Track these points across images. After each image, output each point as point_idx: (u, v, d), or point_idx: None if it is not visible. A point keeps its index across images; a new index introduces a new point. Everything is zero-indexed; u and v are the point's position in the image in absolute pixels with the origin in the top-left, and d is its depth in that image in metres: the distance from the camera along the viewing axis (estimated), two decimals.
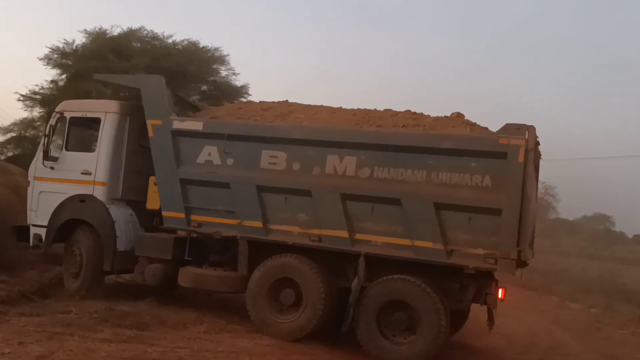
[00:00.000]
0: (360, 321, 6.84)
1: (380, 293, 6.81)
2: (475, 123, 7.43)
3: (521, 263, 6.55)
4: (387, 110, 7.93)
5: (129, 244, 8.18)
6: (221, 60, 14.94)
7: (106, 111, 8.41)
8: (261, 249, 7.53)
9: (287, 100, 8.59)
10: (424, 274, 6.82)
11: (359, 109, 8.06)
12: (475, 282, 6.83)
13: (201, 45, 14.72)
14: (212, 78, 14.95)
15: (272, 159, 7.41)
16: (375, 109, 8.05)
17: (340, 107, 8.29)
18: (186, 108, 8.98)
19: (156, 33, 14.39)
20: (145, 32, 14.33)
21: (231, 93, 14.89)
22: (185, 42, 14.58)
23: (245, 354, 6.23)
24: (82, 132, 9.10)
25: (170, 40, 14.46)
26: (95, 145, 8.47)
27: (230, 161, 7.60)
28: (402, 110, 7.87)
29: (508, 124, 6.55)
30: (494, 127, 7.00)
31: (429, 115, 7.69)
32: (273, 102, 8.56)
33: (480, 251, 6.49)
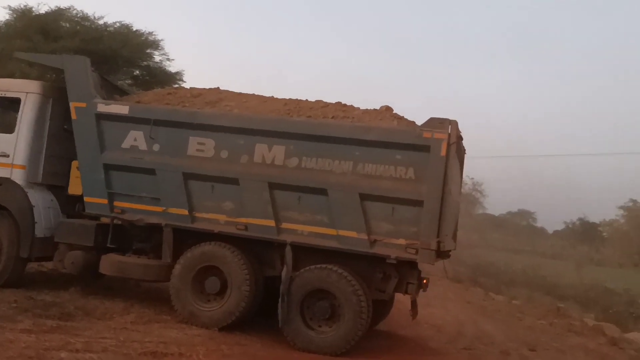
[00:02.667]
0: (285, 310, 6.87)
1: (303, 282, 6.87)
2: (402, 117, 7.58)
3: (442, 254, 6.76)
4: (318, 101, 7.97)
5: (48, 230, 7.88)
6: (155, 44, 14.53)
7: (27, 91, 8.04)
8: (186, 237, 7.44)
9: (218, 88, 8.48)
10: (348, 264, 6.93)
11: (290, 99, 8.07)
12: (398, 272, 6.99)
13: (134, 29, 14.29)
14: (145, 63, 14.55)
15: (200, 146, 7.32)
16: (306, 100, 8.07)
17: (272, 97, 8.27)
18: (113, 91, 8.70)
19: (86, 14, 13.82)
20: (74, 11, 13.73)
21: (165, 79, 14.55)
22: (118, 24, 14.09)
23: (173, 345, 6.15)
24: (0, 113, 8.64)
25: (101, 22, 13.92)
26: (14, 127, 8.08)
27: (156, 147, 7.45)
28: (334, 102, 7.96)
29: (432, 118, 6.72)
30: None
31: (358, 108, 7.78)
32: (203, 88, 8.43)
33: (402, 241, 6.65)
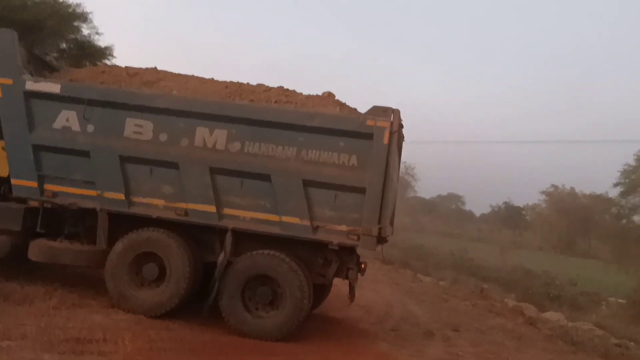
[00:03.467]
0: (225, 295, 6.81)
1: (245, 267, 6.83)
2: (344, 103, 7.62)
3: (381, 239, 6.88)
4: (259, 85, 7.87)
5: None
6: (83, 17, 13.90)
7: None
8: (122, 222, 7.20)
9: (155, 67, 8.20)
10: (289, 249, 6.94)
11: (231, 82, 7.91)
12: (338, 258, 7.08)
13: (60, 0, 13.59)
14: (72, 36, 13.86)
15: (137, 128, 7.07)
16: (248, 83, 7.94)
17: (212, 78, 8.08)
18: (41, 67, 8.22)
19: None
20: None
21: (94, 53, 13.91)
22: None
23: (98, 330, 5.98)
24: None
25: None
26: None
27: (90, 128, 7.13)
28: (275, 86, 7.88)
29: (375, 106, 6.78)
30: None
31: (301, 93, 7.74)
32: (140, 67, 8.13)
33: (344, 228, 6.72)
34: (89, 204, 7.10)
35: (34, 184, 7.16)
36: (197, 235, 7.21)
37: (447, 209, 66.07)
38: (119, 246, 7.00)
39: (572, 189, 49.80)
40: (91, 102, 7.08)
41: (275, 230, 6.81)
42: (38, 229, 7.28)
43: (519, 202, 60.09)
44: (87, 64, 13.50)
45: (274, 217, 6.82)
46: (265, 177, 6.82)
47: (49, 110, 7.18)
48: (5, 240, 7.25)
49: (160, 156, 6.97)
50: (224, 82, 7.91)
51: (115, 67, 8.07)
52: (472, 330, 9.58)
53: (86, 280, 8.20)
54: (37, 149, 7.15)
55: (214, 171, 6.88)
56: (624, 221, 30.24)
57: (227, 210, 6.91)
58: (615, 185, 30.60)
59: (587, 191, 47.45)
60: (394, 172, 6.86)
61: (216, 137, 6.94)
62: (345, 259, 7.12)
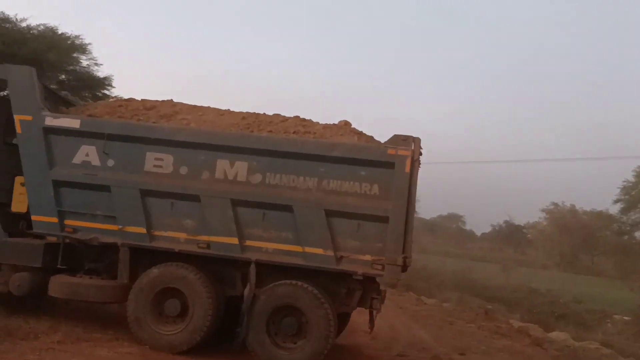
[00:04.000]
0: (250, 328, 6.77)
1: (270, 299, 6.79)
2: (361, 132, 7.67)
3: (405, 268, 6.87)
4: (276, 115, 7.92)
5: None
6: (82, 49, 14.01)
7: None
8: (143, 256, 7.17)
9: (171, 100, 8.24)
10: (311, 279, 6.91)
11: (247, 113, 7.96)
12: (361, 287, 7.06)
13: (60, 32, 13.64)
14: (71, 67, 13.93)
15: (158, 162, 7.08)
16: (264, 113, 7.99)
17: (228, 110, 8.13)
18: (57, 102, 8.26)
19: (7, 15, 13.00)
20: None
21: (93, 84, 13.98)
22: (42, 27, 13.37)
23: None
24: None
25: (24, 25, 13.08)
26: None
27: (110, 162, 7.14)
28: (291, 116, 7.93)
29: (395, 135, 6.82)
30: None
31: (317, 123, 7.79)
32: (156, 100, 8.17)
33: (368, 257, 6.71)
34: (110, 239, 7.07)
35: (54, 219, 7.14)
36: (218, 270, 7.18)
37: (448, 229, 66.03)
38: (140, 282, 6.96)
39: (573, 206, 49.98)
40: (111, 137, 7.10)
41: (299, 261, 6.80)
42: (59, 265, 7.24)
43: (519, 220, 60.13)
44: (87, 95, 13.60)
45: (297, 248, 6.81)
46: (287, 208, 6.82)
47: (68, 146, 7.19)
48: (26, 277, 7.19)
49: (181, 189, 6.98)
50: (241, 113, 7.95)
51: (131, 101, 8.10)
52: (480, 354, 9.59)
53: (90, 314, 8.17)
54: (57, 184, 7.14)
55: (235, 203, 6.88)
56: (626, 237, 30.30)
57: (249, 242, 6.89)
58: (616, 201, 30.79)
59: (588, 208, 47.66)
60: (415, 200, 6.88)
61: (237, 169, 6.96)
62: (368, 288, 7.10)
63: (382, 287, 7.34)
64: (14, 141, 7.80)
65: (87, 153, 7.16)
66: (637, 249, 26.94)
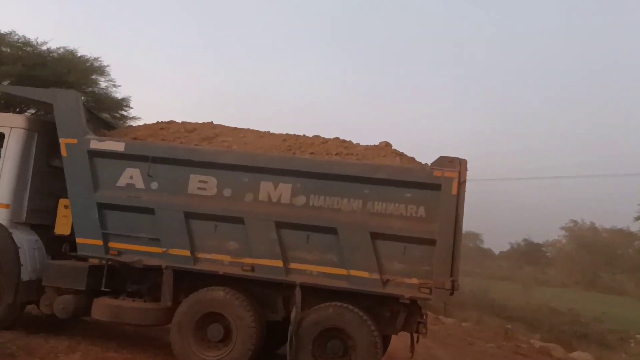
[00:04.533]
0: (296, 352, 6.67)
1: (316, 321, 6.70)
2: (403, 153, 7.62)
3: (452, 292, 6.75)
4: (316, 137, 7.91)
5: (34, 273, 7.42)
6: (100, 70, 14.33)
7: (11, 126, 7.62)
8: (185, 279, 7.16)
9: (211, 122, 8.29)
10: (355, 301, 6.82)
11: (287, 134, 7.97)
12: (405, 310, 6.95)
13: (79, 55, 13.96)
14: (90, 89, 14.23)
15: (202, 184, 7.09)
16: (304, 135, 8.00)
17: (268, 132, 8.16)
18: (99, 125, 8.38)
19: (29, 39, 13.41)
20: (16, 36, 13.31)
21: (111, 105, 14.38)
22: (62, 50, 13.73)
23: None
24: None
25: (44, 48, 13.54)
26: None
27: (154, 185, 7.16)
28: (331, 137, 7.92)
29: (441, 156, 6.75)
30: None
31: (358, 144, 7.76)
32: (197, 123, 8.23)
33: (414, 281, 6.61)
34: (154, 262, 7.07)
35: (99, 242, 7.16)
36: (260, 293, 7.14)
37: (466, 248, 64.94)
38: (184, 306, 6.93)
39: (593, 223, 49.30)
40: (155, 160, 7.14)
41: (344, 284, 6.72)
42: (103, 288, 7.25)
43: (538, 238, 59.23)
44: (106, 115, 13.84)
45: (342, 271, 6.74)
46: (331, 231, 6.76)
47: (113, 169, 7.24)
48: (70, 299, 7.21)
49: (225, 212, 6.96)
50: (281, 135, 7.97)
51: (172, 123, 8.16)
52: None
53: (108, 333, 8.22)
54: (102, 207, 7.18)
55: (279, 225, 6.84)
56: None
57: (294, 265, 6.84)
58: (637, 219, 30.33)
59: (608, 225, 46.95)
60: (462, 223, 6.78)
61: (280, 191, 6.93)
62: (413, 311, 6.99)
63: (423, 311, 7.26)
64: (58, 164, 7.91)
65: (132, 176, 7.20)
66: None
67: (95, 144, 7.26)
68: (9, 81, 12.57)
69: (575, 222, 50.94)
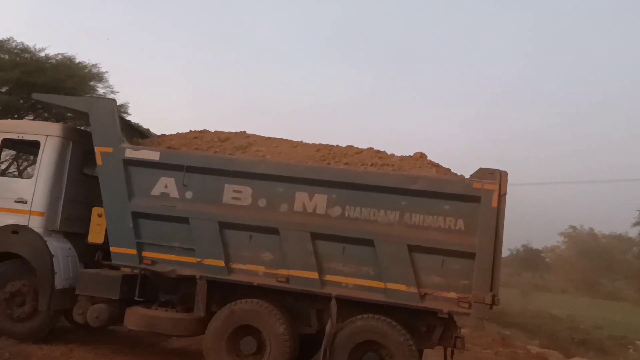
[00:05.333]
0: None
1: (353, 333, 6.59)
2: (438, 164, 7.51)
3: (492, 306, 6.60)
4: (349, 147, 7.84)
5: (68, 281, 7.44)
6: (99, 77, 14.42)
7: (47, 134, 7.67)
8: (218, 289, 7.10)
9: (244, 131, 8.27)
10: (390, 315, 6.69)
11: (321, 144, 7.90)
12: (442, 324, 6.81)
13: (77, 61, 14.07)
14: (88, 95, 14.29)
15: (236, 194, 7.04)
16: (337, 145, 7.93)
17: (301, 141, 8.09)
18: (132, 134, 8.38)
19: (26, 45, 13.53)
20: (14, 43, 13.45)
21: None
22: (60, 56, 13.83)
23: None
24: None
25: (42, 54, 13.65)
26: (32, 171, 7.68)
27: (189, 194, 7.13)
28: (365, 147, 7.84)
29: (481, 168, 6.63)
30: None
31: (393, 155, 7.67)
32: (230, 132, 8.21)
33: (453, 295, 6.47)
34: (188, 272, 7.02)
35: (133, 251, 7.14)
36: (293, 305, 7.05)
37: None
38: (217, 318, 6.86)
39: (592, 229, 48.89)
40: (190, 169, 7.11)
41: (381, 297, 6.60)
42: (136, 297, 7.22)
43: (537, 244, 58.36)
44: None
45: (378, 284, 6.62)
46: (368, 243, 6.66)
47: (147, 178, 7.23)
48: (103, 308, 7.19)
49: (260, 222, 6.90)
50: (314, 145, 7.90)
51: (205, 133, 8.13)
52: None
53: (103, 340, 8.22)
54: (136, 216, 7.16)
55: (314, 237, 6.76)
56: None
57: (329, 277, 6.74)
58: (635, 225, 30.19)
59: (607, 231, 46.60)
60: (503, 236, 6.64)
61: (316, 202, 6.85)
62: (450, 326, 6.85)
63: (459, 325, 7.11)
64: (91, 172, 7.93)
65: (166, 185, 7.18)
66: None
67: (131, 153, 7.26)
68: (6, 87, 12.68)
69: (574, 227, 50.64)
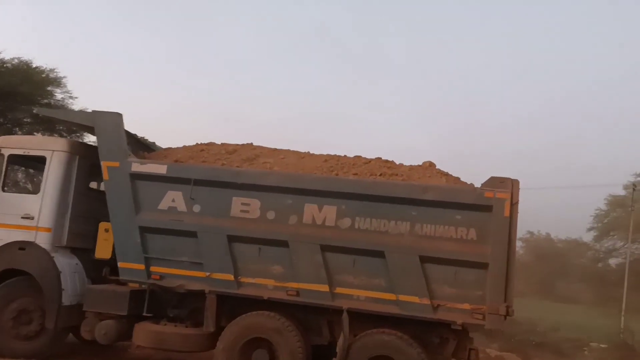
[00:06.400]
0: None
1: (364, 349, 6.49)
2: (448, 173, 7.44)
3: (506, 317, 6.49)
4: (357, 157, 7.79)
5: (75, 297, 7.36)
6: (57, 82, 14.24)
7: (53, 149, 7.62)
8: (226, 303, 7.02)
9: (251, 143, 8.22)
10: (402, 327, 6.59)
11: (328, 155, 7.85)
12: (456, 336, 6.70)
13: (34, 66, 13.87)
14: (46, 100, 14.13)
15: (244, 207, 6.96)
16: (345, 155, 7.87)
17: (308, 152, 8.05)
18: (138, 147, 8.33)
19: None
20: None
21: None
22: (16, 60, 13.68)
23: None
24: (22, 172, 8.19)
25: None
26: (38, 186, 7.63)
27: (197, 208, 7.06)
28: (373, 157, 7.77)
29: (492, 177, 6.55)
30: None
31: (402, 164, 7.60)
32: (236, 144, 8.16)
33: (466, 306, 6.37)
34: (197, 286, 6.94)
35: (141, 266, 7.06)
36: (304, 318, 6.96)
37: None
38: (228, 332, 6.77)
39: (548, 234, 49.24)
40: (197, 182, 7.04)
41: (393, 309, 6.50)
42: (144, 313, 7.14)
43: None
44: (61, 128, 13.64)
45: (390, 296, 6.52)
46: (378, 254, 6.57)
47: (155, 192, 7.16)
48: (111, 324, 7.11)
49: (269, 234, 6.82)
50: (322, 155, 7.85)
51: (212, 145, 8.08)
52: None
53: (111, 356, 8.27)
54: (144, 230, 7.09)
55: (324, 249, 6.67)
56: (600, 265, 29.99)
57: (340, 290, 6.65)
58: (589, 229, 30.61)
59: (562, 236, 47.17)
60: (515, 246, 6.55)
61: (325, 213, 6.77)
62: (463, 338, 6.74)
63: (471, 335, 7.00)
64: (97, 187, 7.87)
65: (174, 199, 7.11)
66: (612, 276, 26.03)
67: (137, 167, 7.19)
68: None
69: (531, 233, 50.87)
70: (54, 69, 14.10)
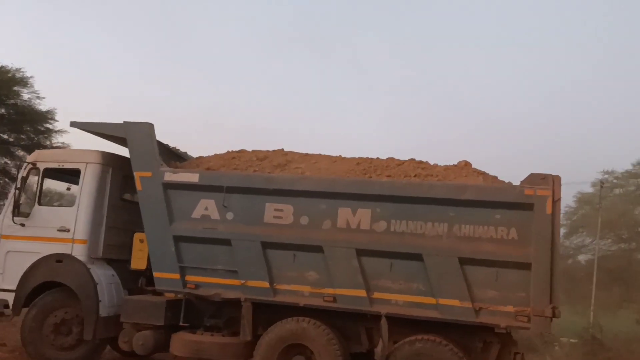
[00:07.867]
0: None
1: (405, 356, 6.31)
2: (484, 172, 7.23)
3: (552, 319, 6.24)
4: (390, 159, 7.62)
5: (112, 308, 7.38)
6: (23, 82, 14.02)
7: (87, 162, 7.68)
8: (263, 311, 6.93)
9: (282, 149, 8.15)
10: (443, 333, 6.40)
11: (361, 158, 7.72)
12: (499, 340, 6.48)
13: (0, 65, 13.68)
14: (12, 101, 13.95)
15: (278, 213, 6.87)
16: (377, 158, 7.73)
17: (340, 156, 7.93)
18: (169, 156, 8.34)
19: None
20: None
21: (34, 118, 13.99)
22: None
23: None
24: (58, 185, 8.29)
25: None
26: (73, 199, 7.69)
27: (230, 215, 7.00)
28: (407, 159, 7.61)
29: (532, 173, 6.32)
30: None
31: (436, 164, 7.42)
32: (267, 150, 8.09)
33: (510, 309, 6.14)
34: (232, 294, 6.87)
35: (176, 276, 7.03)
36: (341, 324, 6.82)
37: None
38: (266, 339, 6.69)
39: None
40: (230, 190, 6.99)
41: (434, 314, 6.31)
42: (181, 323, 7.11)
43: None
44: (28, 129, 13.51)
45: (430, 300, 6.34)
46: (416, 257, 6.39)
47: (188, 200, 7.13)
48: (149, 335, 7.09)
49: (303, 240, 6.71)
50: (354, 159, 7.72)
51: (243, 152, 8.04)
52: None
53: None
54: (178, 239, 7.06)
55: (360, 253, 6.53)
56: (570, 261, 29.26)
57: (377, 295, 6.49)
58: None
59: None
60: (559, 244, 6.30)
61: (360, 217, 6.63)
62: (507, 342, 6.51)
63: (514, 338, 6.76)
64: (130, 198, 7.89)
65: (207, 207, 7.07)
66: (581, 272, 25.28)
67: (170, 176, 7.18)
68: None
69: None
70: (20, 69, 13.92)
